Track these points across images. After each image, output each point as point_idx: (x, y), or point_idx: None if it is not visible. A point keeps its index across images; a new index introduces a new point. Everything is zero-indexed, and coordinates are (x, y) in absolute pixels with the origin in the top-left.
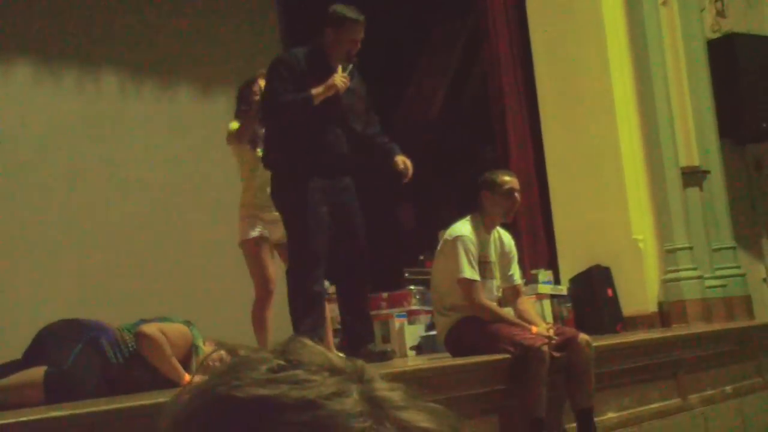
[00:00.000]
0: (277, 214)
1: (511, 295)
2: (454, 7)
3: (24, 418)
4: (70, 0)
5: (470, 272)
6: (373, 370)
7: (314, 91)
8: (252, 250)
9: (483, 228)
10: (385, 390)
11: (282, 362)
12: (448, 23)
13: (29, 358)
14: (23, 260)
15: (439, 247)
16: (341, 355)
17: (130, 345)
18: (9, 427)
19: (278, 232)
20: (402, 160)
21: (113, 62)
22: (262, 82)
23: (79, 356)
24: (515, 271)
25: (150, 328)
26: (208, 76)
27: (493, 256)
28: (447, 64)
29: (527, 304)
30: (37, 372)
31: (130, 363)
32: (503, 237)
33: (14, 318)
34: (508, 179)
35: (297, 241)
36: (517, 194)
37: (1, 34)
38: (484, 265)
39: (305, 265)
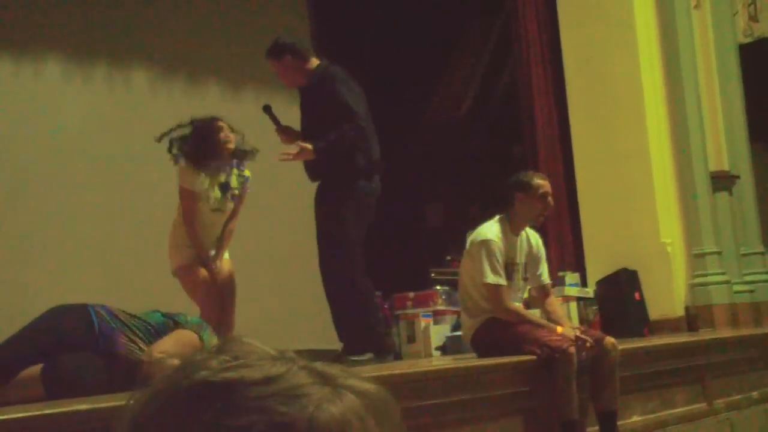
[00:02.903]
0: None
1: (539, 295)
2: (485, 6)
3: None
4: None
5: (493, 277)
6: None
7: None
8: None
9: (510, 230)
10: (324, 366)
11: (226, 357)
12: (479, 22)
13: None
14: (49, 253)
15: (466, 249)
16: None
17: (131, 324)
18: (5, 423)
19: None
20: (301, 145)
21: (143, 59)
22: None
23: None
24: (543, 271)
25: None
26: (237, 74)
27: (521, 258)
28: (477, 62)
29: (556, 304)
30: (35, 368)
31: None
32: (531, 237)
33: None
34: (542, 182)
35: None
36: (550, 198)
37: (31, 31)
38: (510, 267)
39: None
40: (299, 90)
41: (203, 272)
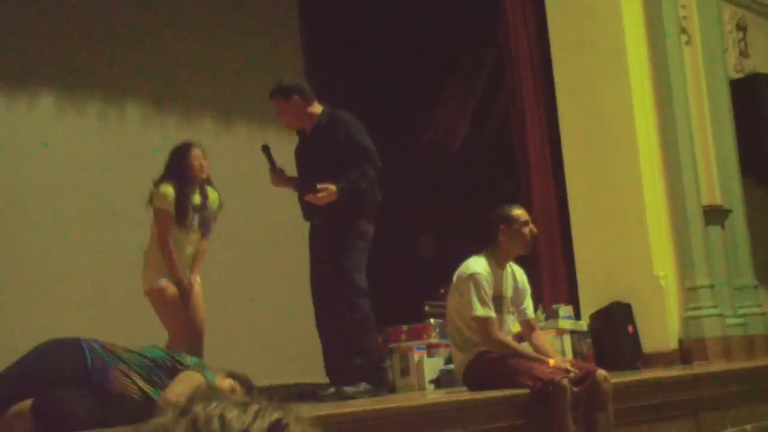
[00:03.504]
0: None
1: (525, 330)
2: (477, 40)
3: None
4: (94, 31)
5: (483, 310)
6: None
7: None
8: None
9: (496, 263)
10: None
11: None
12: (471, 56)
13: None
14: (40, 287)
15: (453, 283)
16: None
17: (126, 357)
18: None
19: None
20: (321, 187)
21: (136, 94)
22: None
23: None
24: (528, 305)
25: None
26: (231, 109)
27: (508, 291)
28: (469, 96)
29: (542, 338)
30: (25, 403)
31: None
32: (516, 272)
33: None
34: (521, 212)
35: None
36: (532, 225)
37: (25, 65)
38: (498, 300)
39: None
40: (300, 133)
41: (175, 294)
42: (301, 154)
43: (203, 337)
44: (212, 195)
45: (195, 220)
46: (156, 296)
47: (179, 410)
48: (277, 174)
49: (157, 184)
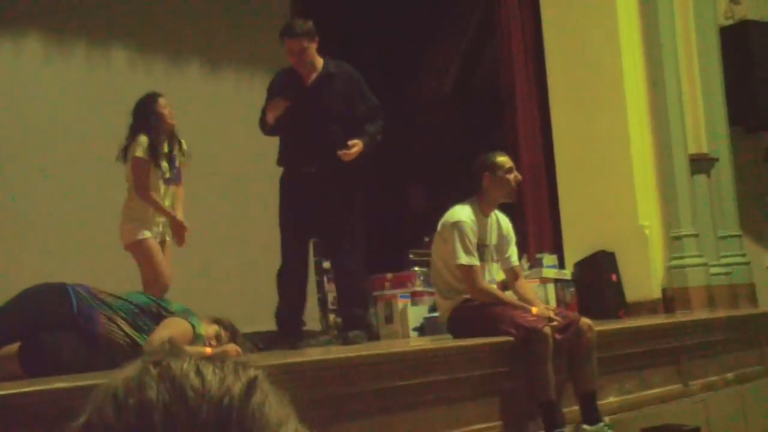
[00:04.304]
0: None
1: (509, 278)
2: None
3: None
4: None
5: (467, 258)
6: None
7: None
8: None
9: (481, 211)
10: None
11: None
12: (460, 3)
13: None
14: (31, 235)
15: (437, 232)
16: None
17: (112, 303)
18: None
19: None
20: (352, 143)
21: (123, 38)
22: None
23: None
24: (513, 254)
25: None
26: (218, 53)
27: (492, 239)
28: (460, 42)
29: (526, 286)
30: (12, 346)
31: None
32: (501, 220)
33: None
34: (505, 158)
35: None
36: (516, 172)
37: (11, 10)
38: (482, 248)
39: None
40: (295, 77)
41: (156, 245)
42: (300, 97)
43: (167, 290)
44: (180, 143)
45: (168, 168)
46: (137, 248)
47: (149, 359)
48: (279, 105)
49: (129, 137)
